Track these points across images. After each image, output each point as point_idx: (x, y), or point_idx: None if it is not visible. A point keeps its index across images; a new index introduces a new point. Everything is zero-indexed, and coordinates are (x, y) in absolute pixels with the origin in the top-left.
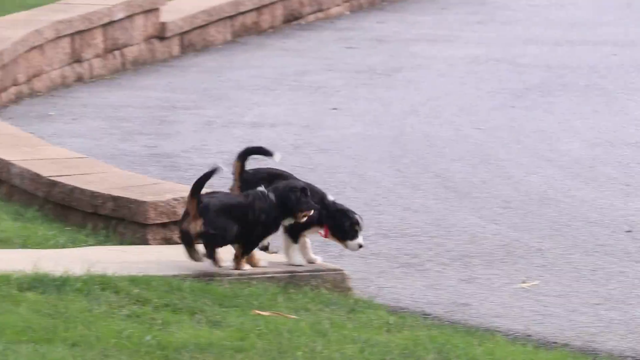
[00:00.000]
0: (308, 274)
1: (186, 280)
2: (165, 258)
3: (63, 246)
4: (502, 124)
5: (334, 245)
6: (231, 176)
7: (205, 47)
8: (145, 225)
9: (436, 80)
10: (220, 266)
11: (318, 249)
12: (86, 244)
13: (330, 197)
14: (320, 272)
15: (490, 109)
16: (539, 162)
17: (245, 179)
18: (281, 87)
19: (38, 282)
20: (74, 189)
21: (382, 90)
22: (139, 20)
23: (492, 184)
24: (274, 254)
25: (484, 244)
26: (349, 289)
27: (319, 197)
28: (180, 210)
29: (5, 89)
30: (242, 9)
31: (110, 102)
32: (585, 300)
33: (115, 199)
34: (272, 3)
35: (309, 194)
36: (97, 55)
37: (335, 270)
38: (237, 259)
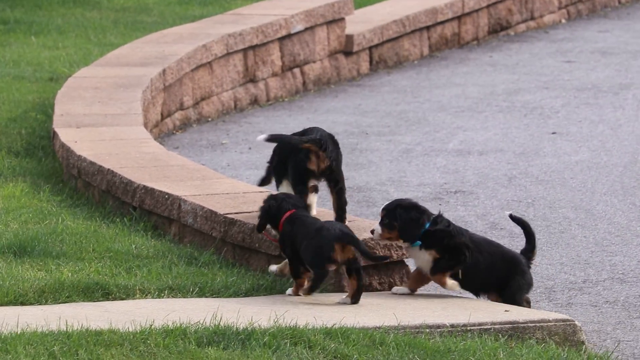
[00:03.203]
0: (533, 324)
1: (390, 332)
2: (364, 307)
3: (245, 294)
4: None
5: (561, 292)
6: None
7: (399, 63)
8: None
9: None
10: None
11: (542, 296)
12: (271, 291)
13: None
14: (547, 323)
15: None
16: None
17: None
18: (489, 109)
19: (219, 336)
20: (255, 228)
21: (609, 110)
22: (321, 33)
23: None
24: None
25: None
26: (582, 342)
27: None
28: (380, 252)
29: (169, 114)
30: (441, 18)
31: (291, 128)
32: None
33: None
34: (475, 11)
35: None
36: (274, 74)
37: (564, 320)
38: None
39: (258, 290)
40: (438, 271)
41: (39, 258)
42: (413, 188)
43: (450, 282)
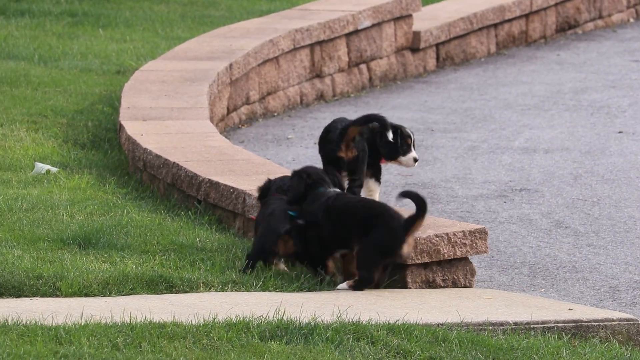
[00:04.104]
0: (596, 323)
1: (453, 329)
2: (427, 304)
3: (309, 289)
4: None
5: (626, 291)
6: None
7: (465, 60)
8: (403, 266)
9: None
10: None
11: (607, 295)
12: (335, 286)
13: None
14: (611, 322)
15: None
16: None
17: None
18: (556, 107)
19: (282, 330)
20: None
21: None
22: (389, 29)
23: None
24: None
25: None
26: None
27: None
28: (444, 249)
29: (235, 108)
30: (508, 15)
31: None
32: None
33: None
34: (543, 9)
35: None
36: (340, 70)
37: (628, 320)
38: None
39: (321, 285)
40: None
41: (104, 250)
42: (478, 185)
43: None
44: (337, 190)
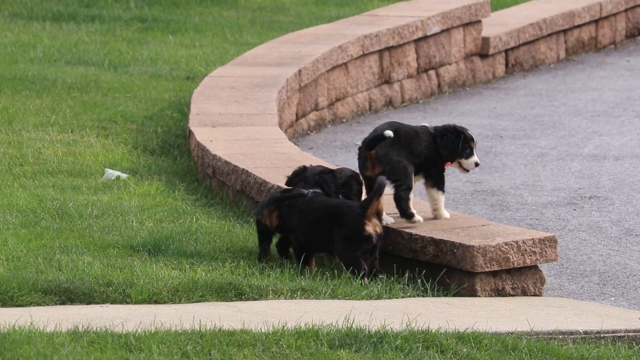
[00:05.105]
0: None
1: (523, 338)
2: (497, 312)
3: (378, 297)
4: None
5: None
6: None
7: (534, 66)
8: (472, 274)
9: None
10: None
11: None
12: (404, 294)
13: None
14: None
15: None
16: None
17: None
18: (626, 114)
19: (351, 339)
20: (389, 231)
21: None
22: (457, 35)
23: None
24: None
25: None
26: None
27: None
28: (513, 257)
29: (304, 115)
30: (578, 21)
31: None
32: None
33: (437, 242)
34: (612, 15)
35: None
36: (409, 76)
37: None
38: None
39: (390, 293)
40: None
41: (173, 257)
42: (547, 193)
43: None
44: (314, 191)
